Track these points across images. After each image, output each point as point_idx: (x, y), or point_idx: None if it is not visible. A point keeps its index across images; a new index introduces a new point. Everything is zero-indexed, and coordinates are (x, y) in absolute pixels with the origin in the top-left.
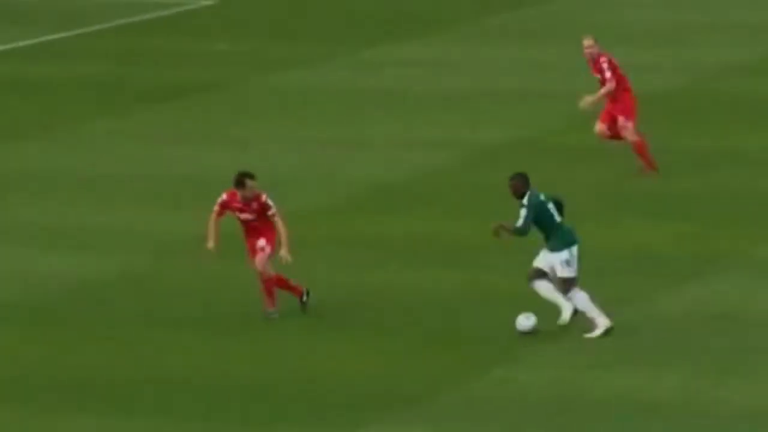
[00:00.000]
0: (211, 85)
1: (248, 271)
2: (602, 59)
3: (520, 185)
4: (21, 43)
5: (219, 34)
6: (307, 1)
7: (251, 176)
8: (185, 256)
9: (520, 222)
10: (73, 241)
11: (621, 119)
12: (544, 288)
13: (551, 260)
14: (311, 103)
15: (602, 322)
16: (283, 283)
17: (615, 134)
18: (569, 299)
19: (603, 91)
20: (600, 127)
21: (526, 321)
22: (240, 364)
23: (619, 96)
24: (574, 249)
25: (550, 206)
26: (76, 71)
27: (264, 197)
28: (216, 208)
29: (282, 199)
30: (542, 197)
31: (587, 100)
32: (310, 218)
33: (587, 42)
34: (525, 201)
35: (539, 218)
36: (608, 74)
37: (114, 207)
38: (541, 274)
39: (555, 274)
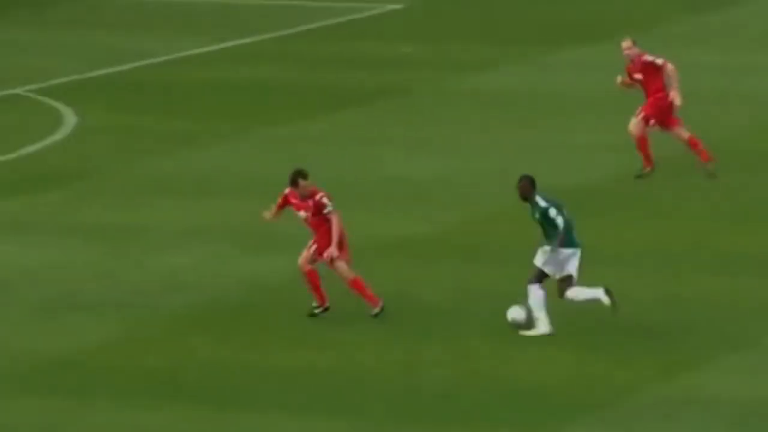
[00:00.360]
0: (396, 89)
1: (446, 273)
2: (645, 57)
3: (528, 187)
4: (215, 47)
5: (405, 37)
6: (491, 4)
7: (304, 175)
8: (370, 258)
9: (558, 221)
10: (267, 243)
11: (641, 117)
12: (578, 292)
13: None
14: (497, 106)
15: (543, 327)
16: (360, 287)
17: (667, 125)
18: (529, 291)
19: (673, 75)
20: (677, 129)
21: (518, 313)
22: (429, 365)
23: (651, 98)
24: (564, 252)
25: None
26: (268, 75)
27: (319, 195)
28: (279, 198)
29: (468, 202)
30: (550, 199)
31: (677, 98)
32: (498, 221)
33: (626, 44)
34: (542, 202)
35: (544, 218)
36: (660, 60)
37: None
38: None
39: (563, 272)
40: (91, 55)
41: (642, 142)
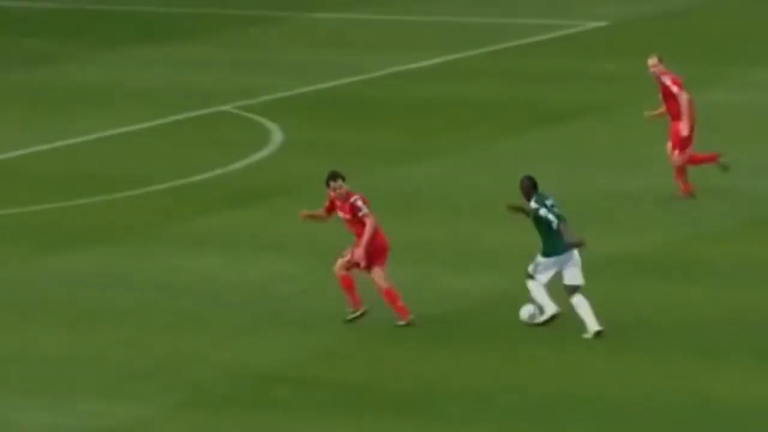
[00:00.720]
0: (600, 105)
1: (657, 290)
2: (664, 77)
3: (528, 186)
4: (424, 64)
5: (609, 54)
6: (698, 22)
7: (334, 177)
8: None
9: (552, 221)
10: (473, 259)
11: (669, 146)
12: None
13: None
14: (698, 122)
15: (550, 310)
16: (393, 298)
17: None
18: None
19: (684, 106)
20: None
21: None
22: (632, 381)
23: (674, 117)
24: (551, 259)
25: (551, 215)
26: (474, 91)
27: (353, 198)
28: (327, 201)
29: (680, 220)
30: (548, 203)
31: (684, 129)
32: (712, 239)
33: (651, 61)
34: (535, 203)
35: (536, 220)
36: (675, 89)
37: (513, 225)
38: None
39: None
40: (298, 71)
41: (694, 159)
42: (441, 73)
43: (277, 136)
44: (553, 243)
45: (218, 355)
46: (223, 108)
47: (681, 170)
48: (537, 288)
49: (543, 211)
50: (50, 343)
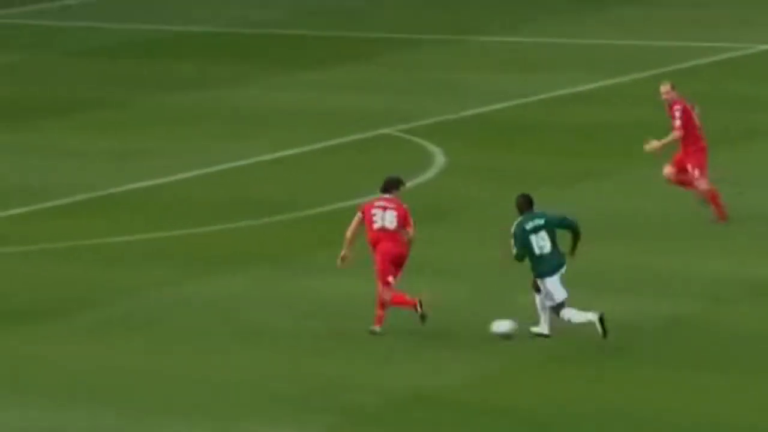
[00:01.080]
0: (764, 130)
1: None
2: (676, 106)
3: (519, 205)
4: (590, 86)
5: None
6: None
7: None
8: (739, 299)
9: (513, 251)
10: (626, 283)
11: (696, 173)
12: (571, 314)
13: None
14: None
15: (592, 315)
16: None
17: (683, 181)
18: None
19: (669, 137)
20: (668, 169)
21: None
22: None
23: (690, 148)
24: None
25: (533, 238)
26: (631, 115)
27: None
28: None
29: None
30: (528, 227)
31: (653, 145)
32: None
33: (664, 88)
34: (511, 230)
35: (524, 246)
36: (677, 123)
37: (664, 249)
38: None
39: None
40: (461, 94)
41: (712, 196)
42: (604, 96)
43: (439, 159)
44: (542, 263)
45: (374, 378)
46: (386, 131)
47: (713, 194)
48: (571, 312)
49: (511, 242)
50: (206, 366)
